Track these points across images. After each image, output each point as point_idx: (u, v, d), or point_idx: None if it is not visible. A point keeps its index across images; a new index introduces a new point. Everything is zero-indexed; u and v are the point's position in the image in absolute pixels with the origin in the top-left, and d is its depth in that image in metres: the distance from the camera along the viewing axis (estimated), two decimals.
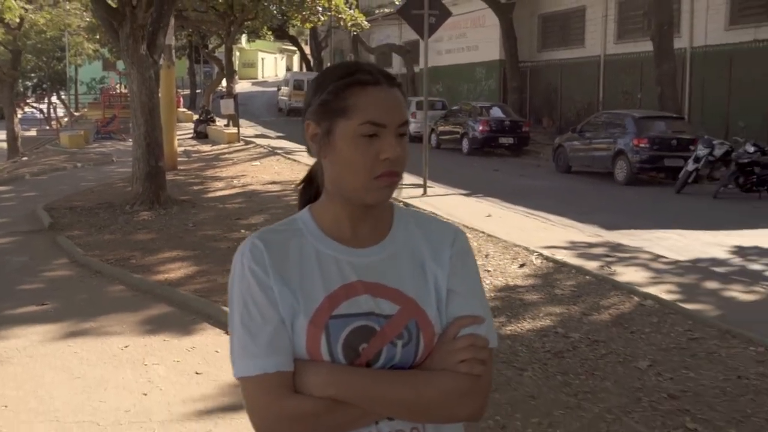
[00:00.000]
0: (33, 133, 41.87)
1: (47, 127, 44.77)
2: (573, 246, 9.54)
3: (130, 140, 16.14)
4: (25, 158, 28.54)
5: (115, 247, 9.71)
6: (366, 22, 26.47)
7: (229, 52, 31.06)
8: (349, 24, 25.35)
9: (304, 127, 1.49)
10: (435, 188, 14.77)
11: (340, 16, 24.99)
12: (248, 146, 24.50)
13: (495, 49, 30.82)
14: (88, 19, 33.36)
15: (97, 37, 34.92)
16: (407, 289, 1.46)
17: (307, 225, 1.50)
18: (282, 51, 76.61)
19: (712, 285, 7.75)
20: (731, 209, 13.51)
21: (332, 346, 1.39)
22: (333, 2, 24.19)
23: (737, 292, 7.47)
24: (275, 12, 31.23)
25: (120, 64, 36.00)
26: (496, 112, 24.30)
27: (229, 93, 29.77)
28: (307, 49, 46.51)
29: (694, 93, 22.66)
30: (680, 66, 21.21)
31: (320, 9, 25.35)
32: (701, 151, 15.48)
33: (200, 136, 28.72)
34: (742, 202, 14.14)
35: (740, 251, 9.69)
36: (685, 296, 7.21)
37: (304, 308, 1.41)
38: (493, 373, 4.15)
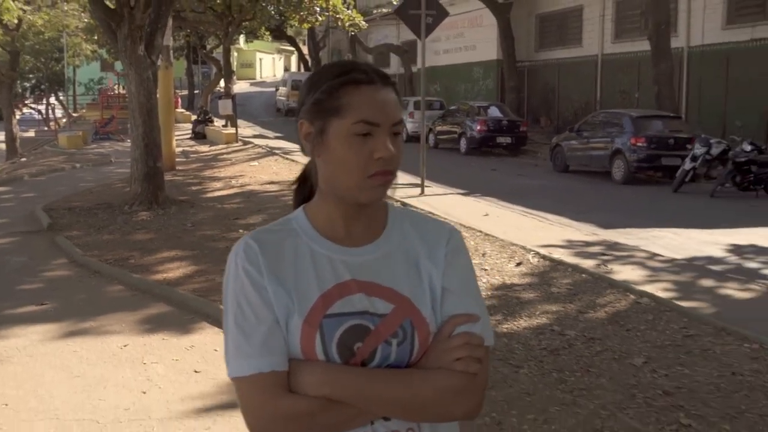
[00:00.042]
0: (31, 134, 41.85)
1: (45, 128, 44.76)
2: (570, 245, 9.59)
3: (129, 141, 16.17)
4: (23, 159, 28.56)
5: (113, 247, 9.75)
6: (364, 22, 26.53)
7: (227, 53, 31.09)
8: (347, 24, 25.41)
9: (297, 126, 1.49)
10: (432, 188, 14.82)
11: (337, 16, 25.06)
12: (246, 146, 24.53)
13: (492, 49, 30.87)
14: (86, 20, 33.40)
15: (95, 38, 34.96)
16: (402, 288, 1.45)
17: (302, 225, 1.50)
18: (280, 51, 76.66)
19: (707, 283, 7.80)
20: (728, 208, 13.56)
21: (327, 346, 1.39)
22: (331, 2, 24.25)
23: (733, 290, 7.51)
24: (273, 12, 31.23)
25: (118, 65, 36.12)
26: (494, 112, 24.35)
27: (227, 93, 29.79)
28: (305, 50, 46.56)
29: (692, 92, 22.72)
30: (677, 65, 21.26)
31: (318, 9, 25.40)
32: (698, 150, 15.53)
33: (198, 136, 28.75)
34: (739, 201, 14.19)
35: (736, 249, 9.73)
36: (681, 294, 7.26)
37: (299, 308, 1.40)
38: (490, 371, 4.19)
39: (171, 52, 19.66)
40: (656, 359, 5.39)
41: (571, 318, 6.39)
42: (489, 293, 7.14)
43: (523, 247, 9.06)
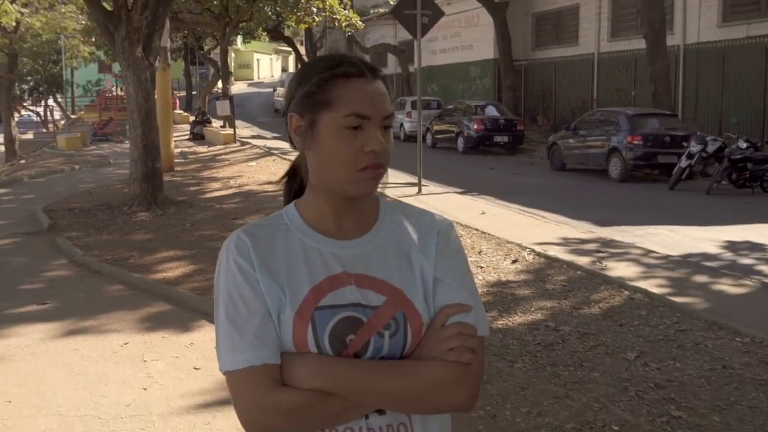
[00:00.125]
0: (30, 136, 41.94)
1: (44, 130, 44.90)
2: (565, 242, 9.67)
3: (127, 142, 16.25)
4: (22, 161, 28.63)
5: (113, 247, 9.83)
6: (360, 23, 26.65)
7: (224, 54, 31.16)
8: (344, 24, 25.53)
9: (287, 120, 1.48)
10: (430, 187, 14.91)
11: (334, 16, 25.19)
12: (244, 147, 24.60)
13: (489, 48, 30.94)
14: (83, 22, 33.49)
15: (93, 39, 35.04)
16: (394, 280, 1.45)
17: (293, 219, 1.50)
18: (277, 52, 76.74)
19: (701, 279, 7.88)
20: (724, 205, 13.64)
21: (319, 338, 1.39)
22: (327, 3, 24.36)
23: (726, 286, 7.60)
24: (270, 13, 31.35)
25: (116, 67, 36.17)
26: (491, 111, 24.42)
27: (225, 94, 29.86)
28: (302, 50, 46.59)
29: (688, 90, 22.81)
30: (673, 63, 21.33)
31: (315, 10, 25.52)
32: (694, 147, 15.60)
33: (197, 137, 28.82)
34: (734, 198, 14.27)
35: (731, 246, 9.81)
36: (675, 290, 7.34)
37: (290, 301, 1.40)
38: (485, 365, 4.27)
39: (168, 53, 19.73)
40: (649, 353, 5.47)
41: (565, 314, 6.48)
42: (485, 290, 7.22)
43: (519, 245, 9.14)
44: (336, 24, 26.56)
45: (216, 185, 15.91)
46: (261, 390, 1.35)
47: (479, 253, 8.80)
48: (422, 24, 14.05)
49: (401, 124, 27.71)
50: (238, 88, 51.69)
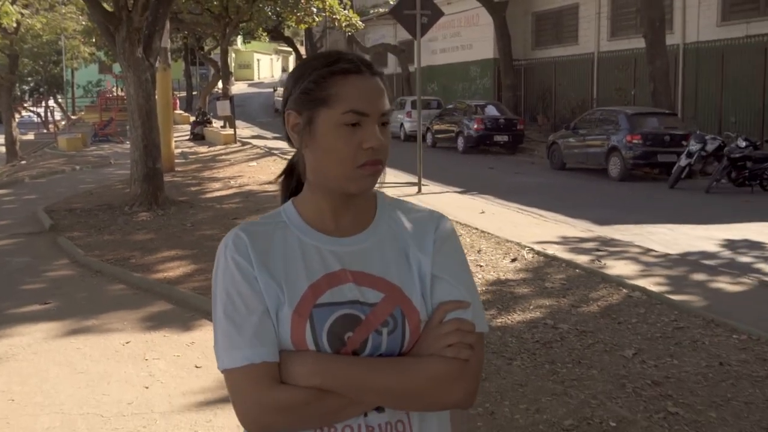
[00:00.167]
0: (31, 136, 42.02)
1: (45, 131, 44.95)
2: (565, 241, 9.71)
3: (128, 143, 16.29)
4: (23, 162, 28.68)
5: (114, 247, 9.88)
6: (360, 22, 26.68)
7: (224, 54, 31.20)
8: (344, 24, 25.55)
9: (284, 117, 1.48)
10: (430, 186, 14.96)
11: (334, 16, 25.21)
12: (245, 147, 24.65)
13: (489, 48, 30.98)
14: (84, 23, 33.54)
15: (93, 40, 35.06)
16: (392, 277, 1.44)
17: (291, 217, 1.50)
18: (277, 52, 76.78)
19: (699, 277, 7.92)
20: (723, 203, 13.68)
21: (317, 335, 1.38)
22: (327, 3, 24.39)
23: (724, 284, 7.64)
24: (270, 13, 31.39)
25: (116, 67, 36.18)
26: (491, 111, 24.47)
27: (225, 94, 29.90)
28: (302, 50, 46.64)
29: (687, 89, 22.84)
30: (673, 62, 21.37)
31: (315, 10, 25.55)
32: (693, 146, 15.64)
33: (197, 137, 28.89)
34: (734, 197, 14.31)
35: (730, 244, 9.85)
36: (673, 288, 7.38)
37: (289, 298, 1.40)
38: (484, 363, 4.31)
39: (169, 54, 19.78)
40: (646, 351, 5.51)
41: (564, 312, 6.52)
42: (484, 289, 7.27)
43: (519, 244, 9.18)
44: (336, 24, 26.59)
45: (216, 185, 15.96)
46: (260, 388, 1.35)
47: (478, 251, 8.84)
48: (421, 24, 14.10)
49: (401, 124, 27.76)
50: (238, 88, 51.77)
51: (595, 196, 14.77)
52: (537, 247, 8.99)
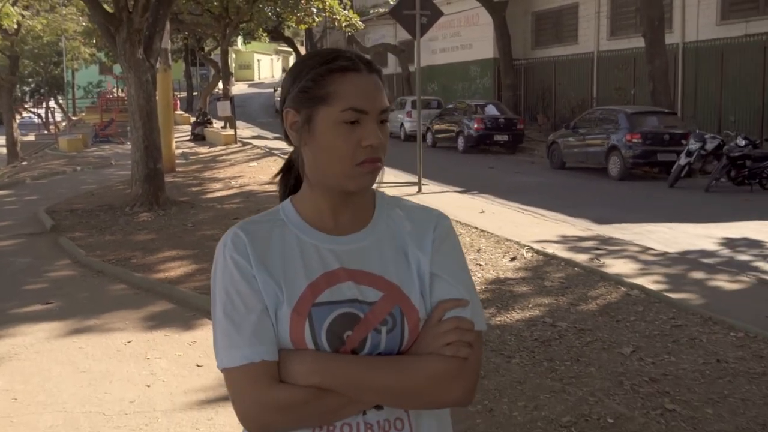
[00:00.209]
0: (31, 137, 42.12)
1: (45, 132, 45.04)
2: (564, 240, 9.75)
3: (128, 143, 16.32)
4: (24, 163, 28.75)
5: (116, 247, 9.92)
6: (360, 23, 26.74)
7: (224, 55, 31.24)
8: (344, 24, 25.61)
9: (282, 116, 1.48)
10: (430, 186, 15.01)
11: (334, 17, 25.26)
12: (245, 147, 24.70)
13: (489, 47, 31.03)
14: (84, 24, 33.58)
15: (94, 41, 35.11)
16: (390, 276, 1.44)
17: (289, 215, 1.50)
18: (278, 52, 76.82)
19: (698, 275, 7.96)
20: (723, 202, 13.71)
21: (316, 334, 1.39)
22: (327, 3, 24.44)
23: (722, 282, 7.67)
24: (270, 14, 31.42)
25: (117, 68, 36.27)
26: (491, 110, 24.50)
27: (226, 95, 29.95)
28: (302, 50, 46.69)
29: (687, 88, 22.89)
30: (672, 61, 21.40)
31: (315, 10, 25.61)
32: (693, 145, 15.67)
33: (197, 138, 28.94)
34: (733, 195, 14.34)
35: (729, 243, 9.89)
36: (671, 286, 7.42)
37: (287, 297, 1.40)
38: (482, 361, 4.36)
39: (169, 54, 19.82)
40: (644, 348, 5.56)
41: (562, 310, 6.56)
42: (483, 287, 7.31)
43: (518, 243, 9.22)
44: (336, 24, 26.65)
45: (217, 186, 16.01)
46: (259, 387, 1.35)
47: (478, 251, 8.88)
48: (421, 24, 14.14)
49: (401, 124, 27.81)
50: (238, 88, 51.82)
51: (595, 196, 14.81)
52: (536, 246, 9.03)
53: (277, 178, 1.64)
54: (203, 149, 25.38)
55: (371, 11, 40.41)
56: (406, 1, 14.21)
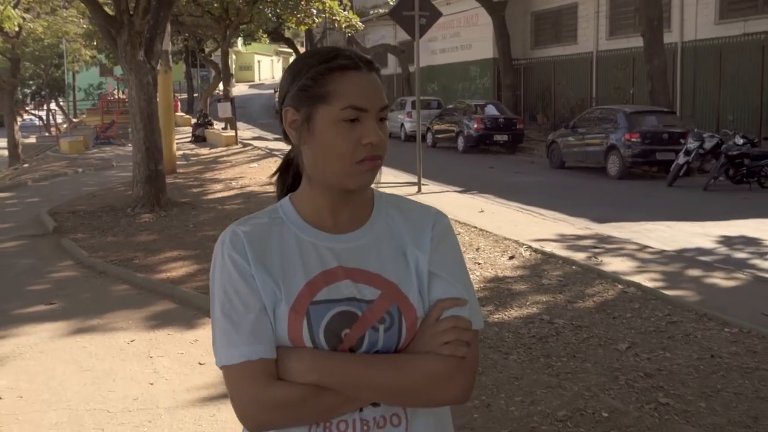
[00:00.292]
0: (32, 140, 42.18)
1: (47, 134, 45.11)
2: (562, 238, 9.83)
3: (129, 145, 16.40)
4: (26, 165, 28.83)
5: (118, 248, 10.00)
6: (360, 23, 26.80)
7: (225, 56, 31.33)
8: (344, 25, 25.67)
9: (281, 114, 1.49)
10: (429, 186, 15.09)
11: (334, 17, 25.31)
12: (246, 149, 24.78)
13: (488, 48, 31.10)
14: (85, 26, 33.67)
15: (95, 43, 35.22)
16: (388, 274, 1.45)
17: (288, 213, 1.50)
18: (278, 53, 76.89)
19: (694, 273, 8.03)
20: (721, 201, 13.78)
21: (314, 332, 1.39)
22: (327, 4, 24.50)
23: (719, 279, 7.75)
24: (270, 15, 31.49)
25: (117, 70, 36.36)
26: (491, 110, 24.58)
27: (226, 96, 30.04)
28: (303, 51, 46.82)
29: (685, 87, 22.96)
30: (671, 61, 21.48)
31: (315, 11, 25.66)
32: (691, 144, 15.74)
33: (198, 139, 29.02)
34: (731, 194, 14.40)
35: (726, 241, 9.96)
36: (668, 283, 7.50)
37: (285, 295, 1.41)
38: (480, 357, 4.43)
39: (170, 56, 19.89)
40: (640, 344, 5.64)
41: (560, 307, 6.64)
42: (482, 285, 7.39)
43: (516, 242, 9.30)
44: (336, 25, 26.72)
45: (218, 187, 16.09)
46: (257, 384, 1.36)
47: (477, 249, 8.96)
48: (420, 25, 14.22)
49: (402, 124, 27.89)
50: (239, 89, 51.88)
51: (594, 195, 14.88)
52: (535, 245, 9.11)
53: (275, 177, 1.65)
54: (204, 150, 25.46)
55: (371, 12, 40.49)
56: (405, 2, 14.30)
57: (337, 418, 1.41)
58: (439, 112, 26.85)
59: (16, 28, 27.75)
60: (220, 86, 35.07)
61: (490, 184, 15.83)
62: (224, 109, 27.53)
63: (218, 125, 30.80)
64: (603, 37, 26.64)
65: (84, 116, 44.34)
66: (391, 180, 15.42)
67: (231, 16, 28.25)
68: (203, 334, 6.39)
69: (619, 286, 7.25)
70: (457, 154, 23.71)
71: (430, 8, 14.53)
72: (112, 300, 7.70)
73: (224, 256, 1.44)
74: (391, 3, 29.60)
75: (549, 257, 8.54)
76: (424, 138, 22.30)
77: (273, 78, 72.30)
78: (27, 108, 52.38)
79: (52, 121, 47.37)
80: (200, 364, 5.69)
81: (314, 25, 29.17)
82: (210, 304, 1.45)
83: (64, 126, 44.09)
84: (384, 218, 1.52)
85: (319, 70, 1.42)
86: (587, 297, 6.97)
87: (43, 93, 51.60)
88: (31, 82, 50.91)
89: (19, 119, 36.49)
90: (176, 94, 36.82)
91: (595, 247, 9.25)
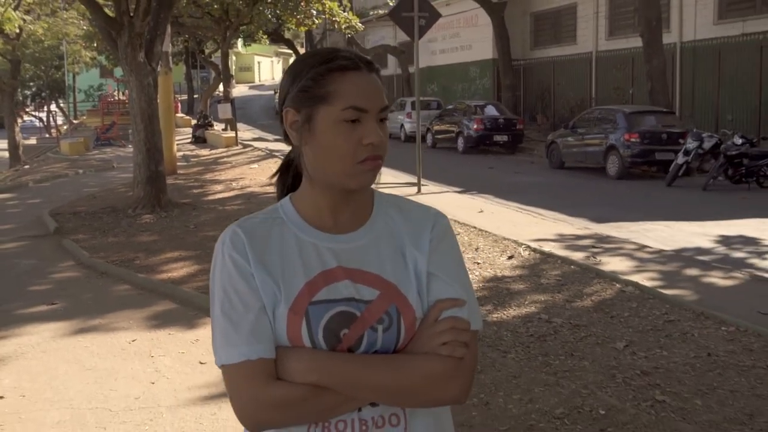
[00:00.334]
0: (33, 141, 42.25)
1: (47, 135, 45.18)
2: (561, 238, 9.87)
3: (130, 146, 16.44)
4: (26, 166, 28.88)
5: (119, 249, 10.05)
6: (360, 24, 26.85)
7: (225, 57, 31.37)
8: (344, 26, 25.71)
9: (282, 115, 1.49)
10: (429, 186, 15.14)
11: (334, 18, 25.35)
12: (246, 149, 24.82)
13: (488, 48, 31.15)
14: (85, 28, 33.70)
15: (95, 44, 35.25)
16: (387, 274, 1.45)
17: (288, 213, 1.51)
18: (278, 54, 76.92)
19: (692, 272, 8.07)
20: (720, 200, 13.81)
21: (313, 333, 1.40)
22: (327, 5, 24.53)
23: (716, 278, 7.79)
24: (270, 16, 31.52)
25: (117, 71, 36.39)
26: (491, 111, 24.61)
27: (227, 97, 30.08)
28: (302, 52, 46.87)
29: (684, 87, 23.00)
30: (670, 61, 21.52)
31: (314, 12, 25.69)
32: (690, 144, 15.78)
33: (199, 140, 29.06)
34: (730, 194, 14.44)
35: (725, 240, 10.00)
36: (666, 283, 7.54)
37: (285, 296, 1.41)
38: (479, 356, 4.47)
39: (170, 57, 19.94)
40: (637, 343, 5.68)
41: (558, 307, 6.69)
42: (481, 285, 7.44)
43: (516, 242, 9.34)
44: (336, 26, 26.77)
45: (218, 187, 16.13)
46: (256, 384, 1.37)
47: (476, 249, 9.01)
48: (419, 26, 14.27)
49: (401, 125, 27.93)
50: (239, 90, 51.92)
51: (594, 195, 14.91)
52: (534, 245, 9.15)
53: (275, 178, 1.66)
54: (204, 151, 25.51)
55: (371, 13, 40.55)
56: (405, 3, 14.34)
57: (336, 418, 1.42)
58: (439, 112, 26.90)
59: (17, 30, 27.83)
60: (220, 87, 35.11)
61: (489, 185, 15.87)
62: (224, 110, 27.57)
63: (218, 126, 30.84)
64: (602, 38, 26.69)
65: (84, 118, 44.42)
66: (390, 180, 15.46)
67: (231, 17, 28.29)
68: (204, 334, 6.44)
69: (617, 285, 7.30)
70: (457, 155, 23.75)
71: (430, 9, 14.58)
72: (114, 300, 7.75)
73: (224, 255, 1.44)
74: (391, 4, 29.67)
75: (548, 257, 8.59)
76: (423, 139, 22.34)
77: (273, 79, 72.34)
78: (27, 109, 52.45)
79: (52, 123, 47.45)
80: (201, 363, 5.74)
81: (314, 26, 29.20)
82: (210, 304, 1.46)
83: (65, 127, 44.15)
84: (384, 218, 1.52)
85: (320, 71, 1.43)
86: (585, 296, 7.01)
87: (43, 94, 51.66)
88: (31, 84, 50.97)
89: (19, 121, 36.55)
90: (176, 96, 36.86)
91: (594, 247, 9.29)
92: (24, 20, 27.53)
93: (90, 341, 6.38)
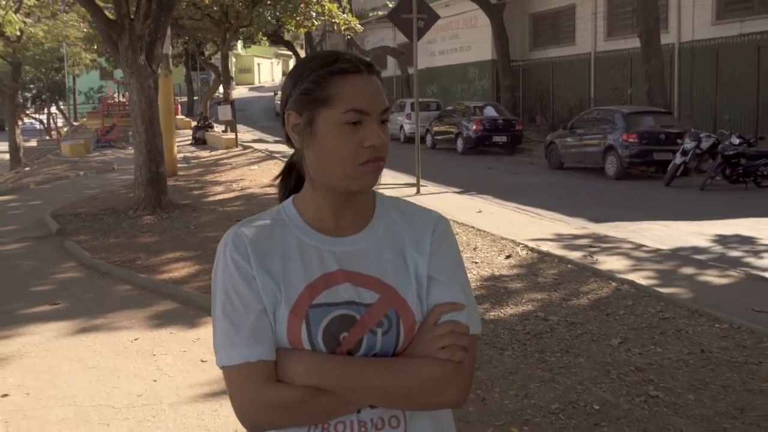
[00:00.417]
0: (33, 143, 42.28)
1: (47, 138, 45.24)
2: (559, 238, 9.95)
3: (130, 148, 16.52)
4: (27, 168, 28.96)
5: (120, 249, 10.13)
6: (359, 26, 26.92)
7: (225, 59, 31.44)
8: (343, 28, 25.79)
9: (284, 118, 1.50)
10: (428, 187, 15.21)
11: (333, 20, 25.44)
12: (246, 151, 24.89)
13: (487, 49, 31.23)
14: (85, 30, 33.79)
15: (95, 47, 35.35)
16: (387, 278, 1.46)
17: (290, 215, 1.52)
18: (278, 56, 77.05)
19: (688, 271, 8.14)
20: (718, 200, 13.88)
21: (313, 335, 1.41)
22: (326, 7, 24.62)
23: (712, 277, 7.86)
24: (269, 18, 31.60)
25: (117, 73, 36.53)
26: (490, 112, 24.66)
27: (226, 99, 30.15)
28: (302, 54, 46.91)
29: (683, 88, 23.08)
30: (668, 61, 21.60)
31: (314, 14, 25.77)
32: (688, 144, 15.84)
33: (199, 142, 29.14)
34: (728, 193, 14.50)
35: (722, 239, 10.07)
36: (661, 281, 7.62)
37: (285, 298, 1.42)
38: (476, 354, 4.55)
39: (170, 59, 20.01)
40: (632, 340, 5.77)
41: (555, 305, 6.77)
42: (478, 284, 7.52)
43: (513, 241, 9.42)
44: (335, 28, 26.87)
45: (219, 189, 16.21)
46: (256, 386, 1.38)
47: (474, 249, 9.09)
48: (418, 27, 14.36)
49: (401, 126, 28.00)
50: (239, 92, 52.02)
51: (592, 195, 14.98)
52: (531, 244, 9.23)
53: (278, 181, 1.67)
54: (204, 153, 25.59)
55: (370, 14, 40.60)
56: (404, 4, 14.43)
57: (335, 420, 1.43)
58: (438, 113, 26.96)
59: (17, 33, 27.89)
60: (220, 89, 35.19)
61: (488, 185, 15.94)
62: (224, 112, 27.63)
63: (218, 128, 30.91)
64: (601, 39, 26.77)
65: (84, 119, 44.48)
66: (390, 181, 15.53)
67: (230, 19, 28.37)
68: (205, 333, 6.52)
69: (614, 283, 7.38)
70: (456, 156, 23.82)
71: (428, 11, 14.66)
72: (116, 300, 7.83)
73: (226, 256, 1.45)
74: (390, 5, 29.75)
75: (545, 256, 8.67)
76: (423, 139, 22.47)
77: (273, 80, 72.43)
78: (28, 112, 52.51)
79: (52, 125, 47.53)
80: (202, 361, 5.82)
81: (313, 27, 29.28)
82: (211, 305, 1.47)
83: (65, 129, 44.24)
84: (385, 221, 1.53)
85: (320, 74, 1.44)
86: (582, 294, 7.10)
87: (43, 96, 51.74)
88: (31, 86, 51.06)
89: (20, 123, 36.62)
90: (176, 97, 36.94)
91: (591, 246, 9.37)
92: (24, 23, 27.58)
93: (92, 340, 6.46)
